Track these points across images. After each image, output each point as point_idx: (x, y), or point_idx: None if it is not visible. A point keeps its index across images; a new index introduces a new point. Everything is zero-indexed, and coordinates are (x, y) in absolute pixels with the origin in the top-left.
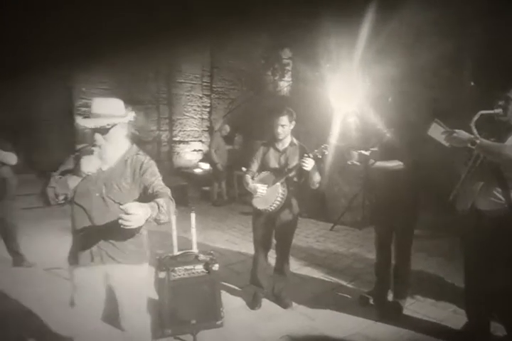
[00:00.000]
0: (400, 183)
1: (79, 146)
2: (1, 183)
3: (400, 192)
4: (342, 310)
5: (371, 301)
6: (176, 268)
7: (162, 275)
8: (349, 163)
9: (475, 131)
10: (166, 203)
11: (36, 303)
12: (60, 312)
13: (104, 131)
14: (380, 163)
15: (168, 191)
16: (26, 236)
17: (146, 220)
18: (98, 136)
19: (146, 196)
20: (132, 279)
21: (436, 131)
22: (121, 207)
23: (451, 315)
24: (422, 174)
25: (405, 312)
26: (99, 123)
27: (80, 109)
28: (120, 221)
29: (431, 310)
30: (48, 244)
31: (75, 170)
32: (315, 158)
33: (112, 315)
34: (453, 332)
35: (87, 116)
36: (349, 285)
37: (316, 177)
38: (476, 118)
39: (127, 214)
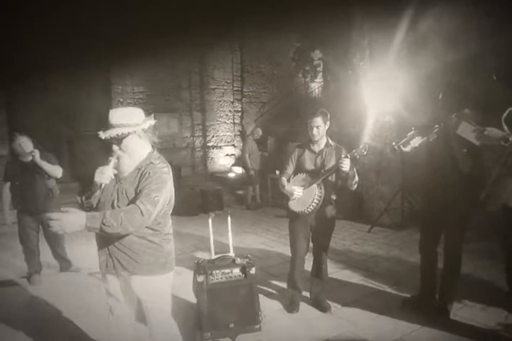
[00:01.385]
0: (461, 183)
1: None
2: (47, 194)
3: (458, 194)
4: (384, 314)
5: (414, 305)
6: (214, 272)
7: (200, 279)
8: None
9: (506, 127)
10: (117, 217)
11: (81, 309)
12: (101, 317)
13: (117, 141)
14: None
15: (142, 206)
16: (71, 242)
17: (88, 229)
18: (114, 147)
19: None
20: (151, 290)
21: (467, 130)
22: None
23: (503, 321)
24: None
25: (453, 317)
26: (110, 133)
27: None
28: (47, 221)
29: (480, 315)
30: (92, 248)
31: (93, 182)
32: (353, 159)
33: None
34: (504, 339)
35: (106, 127)
36: (390, 290)
37: (354, 179)
38: (505, 114)
39: (51, 218)
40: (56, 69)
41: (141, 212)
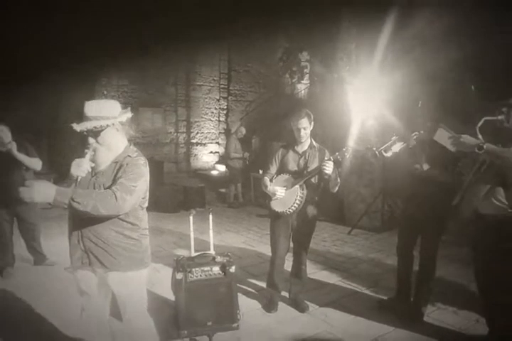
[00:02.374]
0: (437, 188)
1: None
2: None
3: (434, 198)
4: (360, 315)
5: (390, 307)
6: (193, 270)
7: (179, 276)
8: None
9: (480, 136)
10: (86, 196)
11: (53, 303)
12: (76, 313)
13: (94, 133)
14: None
15: (118, 192)
16: (46, 235)
17: (56, 202)
18: (90, 140)
19: None
20: (128, 286)
21: (443, 136)
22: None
23: (474, 324)
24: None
25: (426, 319)
26: (86, 125)
27: None
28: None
29: (453, 318)
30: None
31: (68, 174)
32: (335, 161)
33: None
34: None
35: (81, 119)
36: (367, 291)
37: (336, 181)
38: (480, 123)
39: (23, 187)
40: (41, 60)
41: (116, 197)
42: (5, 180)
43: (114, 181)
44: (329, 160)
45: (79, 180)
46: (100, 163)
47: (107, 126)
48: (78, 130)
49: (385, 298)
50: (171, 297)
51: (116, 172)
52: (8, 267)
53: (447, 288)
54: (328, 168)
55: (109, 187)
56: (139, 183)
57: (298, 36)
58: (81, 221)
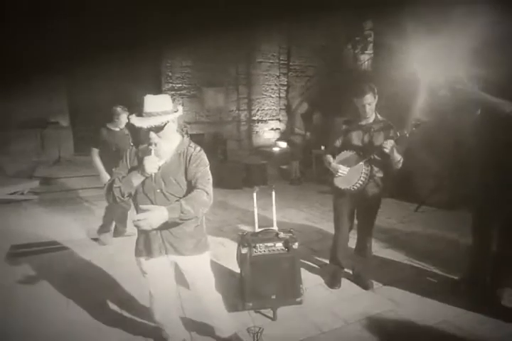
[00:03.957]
0: None
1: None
2: None
3: None
4: (428, 296)
5: (462, 289)
6: (258, 245)
7: (244, 250)
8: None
9: None
10: (191, 203)
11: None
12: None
13: (158, 129)
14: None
15: (206, 188)
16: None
17: (170, 219)
18: (153, 135)
19: (191, 187)
20: (198, 268)
21: None
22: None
23: None
24: None
25: (505, 303)
26: (153, 122)
27: (167, 92)
28: (133, 222)
29: None
30: None
31: (140, 170)
32: (402, 138)
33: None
34: None
35: (139, 114)
36: (436, 271)
37: (397, 158)
38: None
39: (138, 220)
40: (108, 49)
41: (207, 194)
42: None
43: (187, 174)
44: (391, 138)
45: (153, 176)
46: (162, 155)
47: (171, 120)
48: (145, 127)
49: (455, 278)
50: (237, 270)
51: (185, 163)
52: (107, 233)
53: None
54: (388, 147)
55: (186, 184)
56: (209, 173)
57: (359, 3)
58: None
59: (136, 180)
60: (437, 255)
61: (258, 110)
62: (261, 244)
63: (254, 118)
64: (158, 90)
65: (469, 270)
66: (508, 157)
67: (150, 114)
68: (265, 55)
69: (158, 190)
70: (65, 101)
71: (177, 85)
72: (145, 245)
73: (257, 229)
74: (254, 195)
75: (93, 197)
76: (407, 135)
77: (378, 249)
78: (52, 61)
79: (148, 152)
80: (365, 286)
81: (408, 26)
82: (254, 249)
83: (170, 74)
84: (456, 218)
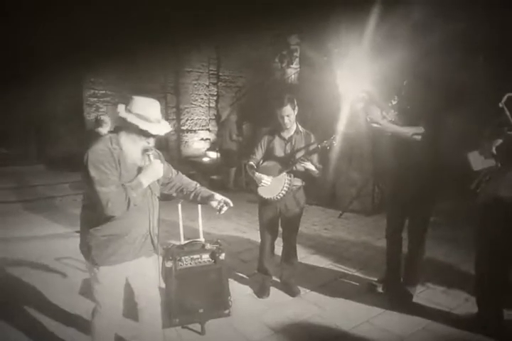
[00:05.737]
0: (420, 164)
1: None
2: None
3: (422, 180)
4: (351, 298)
5: (380, 289)
6: (183, 258)
7: (169, 264)
8: (368, 119)
9: (508, 112)
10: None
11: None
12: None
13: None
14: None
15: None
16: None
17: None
18: (151, 141)
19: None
20: (146, 271)
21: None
22: None
23: (463, 303)
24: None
25: (415, 300)
26: (167, 128)
27: (89, 99)
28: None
29: (442, 298)
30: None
31: (153, 174)
32: (323, 149)
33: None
34: (464, 320)
35: (147, 120)
36: (358, 274)
37: (316, 171)
38: (504, 100)
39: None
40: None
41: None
42: None
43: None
44: (305, 161)
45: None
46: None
47: None
48: (162, 134)
49: (375, 279)
50: (162, 285)
51: None
52: None
53: (437, 268)
54: (307, 167)
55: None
56: None
57: (286, 19)
58: (154, 209)
59: (146, 184)
60: (358, 258)
61: (187, 120)
62: (186, 257)
63: (183, 127)
64: (78, 97)
65: (386, 271)
66: (413, 171)
67: (158, 121)
68: (194, 65)
69: (154, 194)
70: None
71: (100, 92)
72: (118, 249)
73: (183, 242)
74: (179, 206)
75: None
76: (328, 147)
77: (305, 255)
78: None
79: (156, 156)
80: (293, 293)
81: (331, 42)
82: (180, 262)
83: (92, 79)
84: (376, 223)
